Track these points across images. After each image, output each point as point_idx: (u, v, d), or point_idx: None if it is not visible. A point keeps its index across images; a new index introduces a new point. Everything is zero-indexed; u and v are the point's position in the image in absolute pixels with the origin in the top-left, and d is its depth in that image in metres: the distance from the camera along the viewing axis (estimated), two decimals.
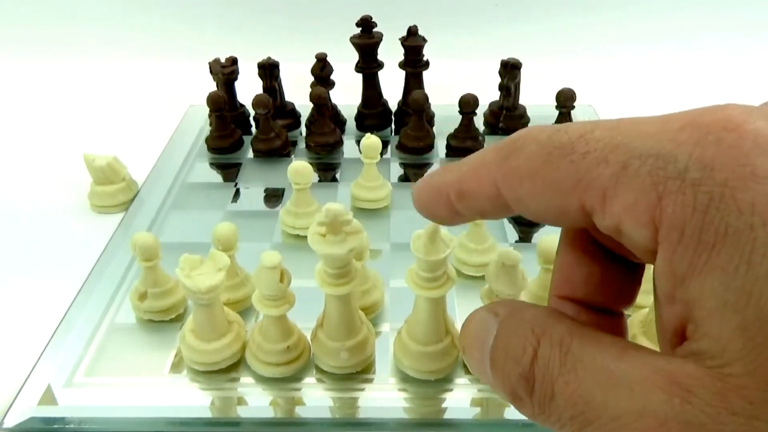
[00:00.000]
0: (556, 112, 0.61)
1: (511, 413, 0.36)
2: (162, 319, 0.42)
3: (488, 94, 0.65)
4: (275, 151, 0.61)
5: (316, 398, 0.37)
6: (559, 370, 0.17)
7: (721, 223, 0.14)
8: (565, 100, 0.60)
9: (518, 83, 0.64)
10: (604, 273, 0.20)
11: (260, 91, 0.63)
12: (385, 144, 0.61)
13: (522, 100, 0.66)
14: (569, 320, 0.18)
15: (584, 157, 0.16)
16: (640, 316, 0.39)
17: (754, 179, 0.14)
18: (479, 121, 0.66)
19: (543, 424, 0.18)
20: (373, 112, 0.66)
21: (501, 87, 0.65)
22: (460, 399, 0.37)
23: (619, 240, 0.17)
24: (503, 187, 0.18)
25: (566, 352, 0.17)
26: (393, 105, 0.67)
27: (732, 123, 0.15)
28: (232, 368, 0.38)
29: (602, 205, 0.16)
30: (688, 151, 0.15)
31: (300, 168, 0.48)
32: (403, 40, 0.63)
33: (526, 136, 0.18)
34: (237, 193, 0.57)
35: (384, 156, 0.60)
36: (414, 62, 0.64)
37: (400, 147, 0.62)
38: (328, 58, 0.64)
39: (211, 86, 0.64)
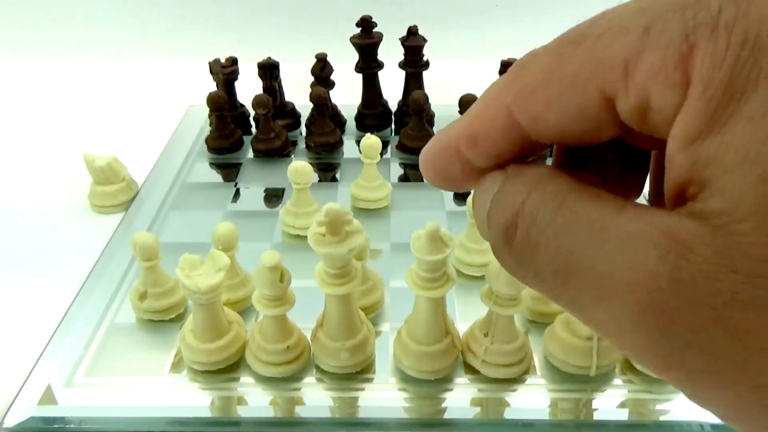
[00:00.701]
0: None
1: (511, 413, 0.36)
2: (162, 319, 0.42)
3: None
4: (275, 151, 0.61)
5: (316, 398, 0.37)
6: (548, 220, 0.15)
7: (755, 67, 0.12)
8: None
9: None
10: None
11: (260, 91, 0.63)
12: (385, 144, 0.61)
13: None
14: (569, 176, 0.16)
15: (600, 38, 0.15)
16: None
17: None
18: None
19: (522, 278, 0.17)
20: (373, 112, 0.66)
21: None
22: (460, 399, 0.37)
23: (645, 129, 0.15)
24: (516, 108, 0.16)
25: (559, 204, 0.15)
26: (393, 105, 0.67)
27: None
28: (232, 368, 0.38)
29: (625, 82, 0.14)
30: None
31: (300, 168, 0.48)
32: (403, 40, 0.63)
33: (533, 50, 0.17)
34: (237, 193, 0.57)
35: (384, 156, 0.60)
36: (414, 62, 0.64)
37: (400, 147, 0.62)
38: (328, 58, 0.64)
39: (211, 86, 0.64)
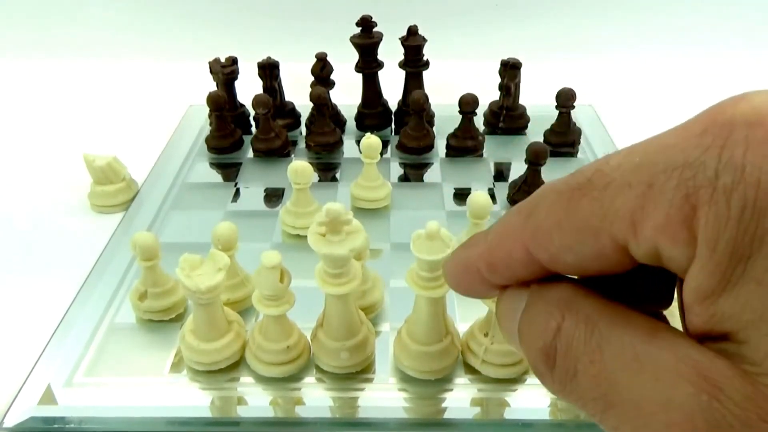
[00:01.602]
0: (556, 112, 0.61)
1: (511, 413, 0.36)
2: (162, 319, 0.42)
3: (488, 94, 0.65)
4: (275, 151, 0.61)
5: (316, 398, 0.37)
6: (583, 348, 0.16)
7: (758, 230, 0.13)
8: (565, 100, 0.60)
9: (518, 83, 0.64)
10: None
11: (260, 91, 0.63)
12: (385, 144, 0.61)
13: (522, 100, 0.66)
14: (598, 297, 0.17)
15: (605, 189, 0.16)
16: None
17: None
18: (479, 121, 0.66)
19: (566, 400, 0.17)
20: (373, 112, 0.66)
21: (501, 87, 0.65)
22: (460, 399, 0.37)
23: (661, 266, 0.16)
24: (533, 247, 0.17)
25: (592, 330, 0.16)
26: (393, 105, 0.67)
27: (756, 116, 0.14)
28: (232, 368, 0.38)
29: (634, 233, 0.15)
30: (716, 155, 0.14)
31: (300, 168, 0.48)
32: (403, 40, 0.63)
33: (543, 189, 0.18)
34: (237, 192, 0.57)
35: (384, 156, 0.60)
36: (414, 62, 0.64)
37: (400, 147, 0.62)
38: (328, 58, 0.64)
39: (211, 86, 0.64)
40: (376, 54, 0.63)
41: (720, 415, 0.13)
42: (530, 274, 0.18)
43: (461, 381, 0.38)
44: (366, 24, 0.61)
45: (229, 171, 0.60)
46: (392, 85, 0.66)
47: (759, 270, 0.13)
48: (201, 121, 0.68)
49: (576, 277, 0.18)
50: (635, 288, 0.18)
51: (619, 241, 0.15)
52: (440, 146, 0.63)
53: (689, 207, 0.14)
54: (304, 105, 0.64)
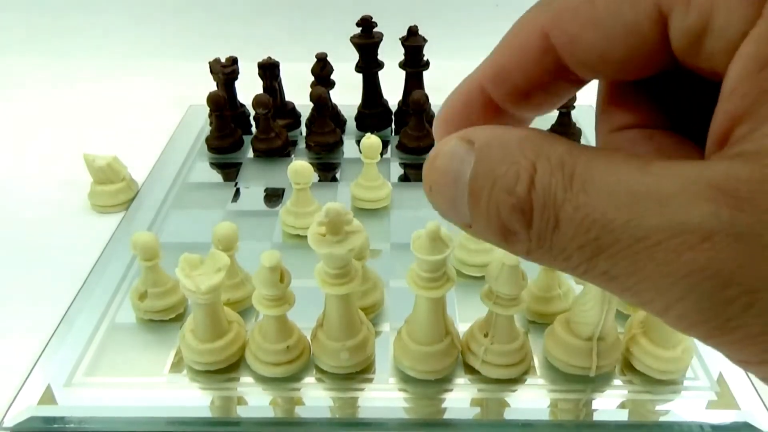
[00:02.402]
0: (556, 112, 0.61)
1: (511, 413, 0.36)
2: (162, 319, 0.42)
3: None
4: (275, 151, 0.61)
5: (316, 398, 0.37)
6: (564, 196, 0.14)
7: None
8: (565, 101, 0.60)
9: None
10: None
11: (260, 91, 0.63)
12: (385, 144, 0.61)
13: None
14: (567, 141, 0.15)
15: None
16: (640, 316, 0.39)
17: None
18: None
19: (540, 260, 0.15)
20: (373, 112, 0.66)
21: None
22: (460, 399, 0.37)
23: (695, 60, 0.13)
24: (553, 28, 0.15)
25: (570, 174, 0.14)
26: (393, 105, 0.67)
27: None
28: (232, 368, 0.38)
29: None
30: None
31: (300, 168, 0.48)
32: (403, 40, 0.63)
33: None
34: (237, 192, 0.57)
35: (384, 156, 0.60)
36: (414, 62, 0.64)
37: (400, 147, 0.62)
38: (328, 58, 0.64)
39: (211, 86, 0.64)
40: (376, 54, 0.63)
41: (745, 225, 0.12)
42: (543, 72, 0.16)
43: (461, 381, 0.38)
44: (366, 24, 0.61)
45: (229, 171, 0.60)
46: (392, 85, 0.66)
47: None
48: (201, 121, 0.68)
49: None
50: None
51: (663, 8, 0.13)
52: None
53: None
54: (304, 105, 0.64)
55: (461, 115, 0.17)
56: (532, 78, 0.16)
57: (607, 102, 0.18)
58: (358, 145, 0.56)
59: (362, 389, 0.37)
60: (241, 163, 0.61)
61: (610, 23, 0.14)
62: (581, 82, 0.16)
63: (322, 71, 0.64)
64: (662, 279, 0.13)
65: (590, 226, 0.14)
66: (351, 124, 0.67)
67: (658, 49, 0.14)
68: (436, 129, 0.18)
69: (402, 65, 0.64)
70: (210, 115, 0.63)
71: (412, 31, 0.63)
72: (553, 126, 0.62)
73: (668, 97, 0.17)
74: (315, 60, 0.64)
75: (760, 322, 0.12)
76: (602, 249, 0.14)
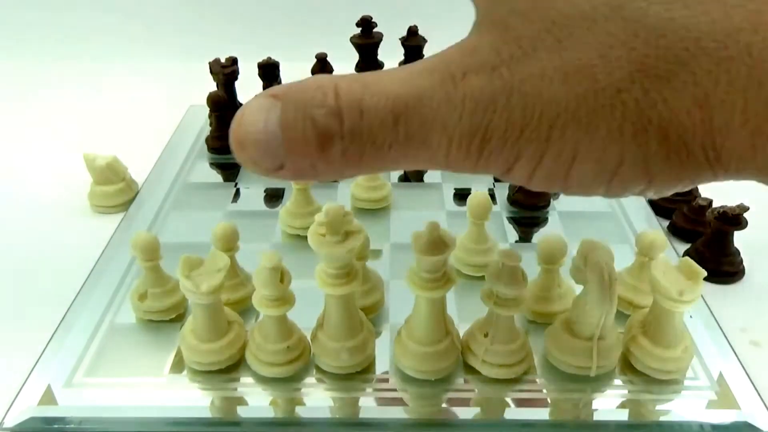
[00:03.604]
0: None
1: (511, 413, 0.36)
2: (162, 319, 0.42)
3: None
4: None
5: (316, 398, 0.37)
6: (363, 91, 0.18)
7: None
8: None
9: None
10: None
11: (260, 90, 0.63)
12: None
13: None
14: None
15: None
16: (640, 316, 0.39)
17: None
18: None
19: (354, 153, 0.19)
20: None
21: None
22: (460, 399, 0.37)
23: None
24: None
25: (363, 81, 0.19)
26: None
27: None
28: (232, 368, 0.38)
29: None
30: None
31: None
32: (403, 40, 0.63)
33: None
34: (237, 193, 0.57)
35: None
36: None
37: None
38: (328, 58, 0.64)
39: (211, 86, 0.64)
40: (376, 54, 0.63)
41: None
42: None
43: (461, 381, 0.38)
44: (366, 24, 0.61)
45: (229, 171, 0.60)
46: None
47: None
48: (201, 121, 0.68)
49: None
50: None
51: None
52: None
53: None
54: None
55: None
56: None
57: None
58: None
59: (362, 389, 0.37)
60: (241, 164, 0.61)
61: None
62: None
63: (322, 71, 0.64)
64: (443, 120, 0.19)
65: (386, 103, 0.18)
66: None
67: None
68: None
69: (402, 65, 0.64)
70: (210, 115, 0.63)
71: (412, 31, 0.63)
72: None
73: None
74: (315, 60, 0.64)
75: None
76: (398, 117, 0.18)
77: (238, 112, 0.21)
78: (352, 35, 0.62)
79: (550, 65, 0.18)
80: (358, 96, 0.19)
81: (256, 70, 0.64)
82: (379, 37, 0.62)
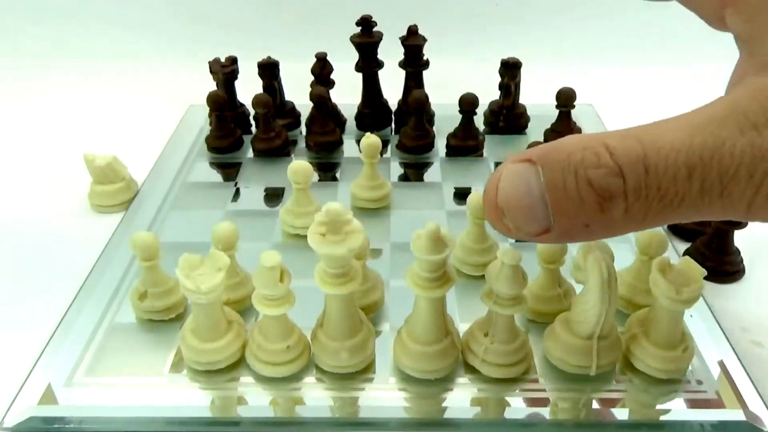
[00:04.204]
0: (556, 112, 0.61)
1: (511, 413, 0.36)
2: (162, 318, 0.42)
3: (488, 93, 0.65)
4: (275, 151, 0.61)
5: (316, 398, 0.37)
6: (641, 147, 0.17)
7: None
8: (565, 100, 0.60)
9: (518, 82, 0.64)
10: None
11: (260, 90, 0.63)
12: (385, 143, 0.61)
13: (522, 100, 0.66)
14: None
15: None
16: (640, 315, 0.39)
17: None
18: (479, 121, 0.66)
19: (638, 213, 0.18)
20: (373, 112, 0.66)
21: (501, 86, 0.65)
22: (460, 399, 0.37)
23: None
24: None
25: (635, 136, 0.18)
26: (393, 105, 0.67)
27: None
28: (232, 368, 0.38)
29: None
30: None
31: (300, 167, 0.48)
32: (403, 40, 0.63)
33: None
34: (237, 192, 0.57)
35: (384, 155, 0.60)
36: (414, 62, 0.64)
37: (400, 146, 0.62)
38: (328, 58, 0.64)
39: (211, 86, 0.64)
40: (376, 54, 0.63)
41: None
42: None
43: (461, 381, 0.38)
44: (366, 24, 0.61)
45: (229, 171, 0.60)
46: (392, 85, 0.66)
47: None
48: (201, 121, 0.68)
49: None
50: None
51: None
52: (440, 146, 0.63)
53: None
54: (304, 105, 0.64)
55: None
56: None
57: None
58: (358, 145, 0.56)
59: (362, 389, 0.37)
60: (240, 163, 0.61)
61: None
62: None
63: (322, 71, 0.64)
64: (740, 183, 0.18)
65: (676, 157, 0.17)
66: (351, 124, 0.67)
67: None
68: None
69: (402, 65, 0.64)
70: (210, 115, 0.63)
71: (412, 31, 0.63)
72: (553, 125, 0.62)
73: None
74: (315, 60, 0.64)
75: None
76: (693, 170, 0.17)
77: (492, 178, 0.20)
78: (352, 35, 0.62)
79: None
80: (639, 152, 0.17)
81: (256, 69, 0.64)
82: (379, 37, 0.62)
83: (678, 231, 0.51)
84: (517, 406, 0.37)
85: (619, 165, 0.17)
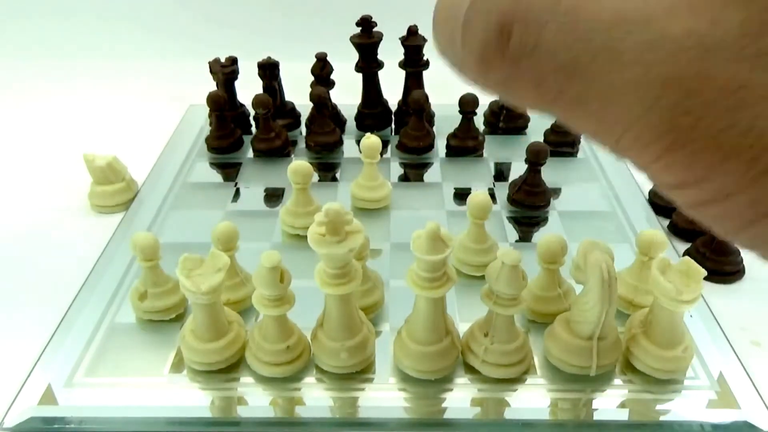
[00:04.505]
0: None
1: (511, 413, 0.36)
2: (162, 319, 0.42)
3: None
4: (275, 151, 0.61)
5: (316, 398, 0.37)
6: (551, 14, 0.14)
7: None
8: None
9: None
10: None
11: (260, 90, 0.63)
12: (385, 144, 0.61)
13: None
14: None
15: None
16: (640, 315, 0.39)
17: None
18: (479, 121, 0.66)
19: (509, 86, 0.15)
20: (373, 112, 0.66)
21: None
22: (460, 399, 0.37)
23: None
24: None
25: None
26: (393, 105, 0.67)
27: None
28: (232, 368, 0.38)
29: None
30: None
31: (300, 168, 0.48)
32: (403, 40, 0.63)
33: None
34: (237, 192, 0.57)
35: (384, 156, 0.60)
36: (414, 62, 0.64)
37: (400, 147, 0.62)
38: (328, 58, 0.64)
39: (211, 86, 0.64)
40: (376, 54, 0.63)
41: (716, 39, 0.12)
42: None
43: (461, 381, 0.38)
44: (366, 24, 0.61)
45: (229, 171, 0.60)
46: (392, 85, 0.66)
47: None
48: (201, 121, 0.68)
49: None
50: None
51: None
52: (440, 146, 0.63)
53: None
54: (304, 105, 0.64)
55: None
56: None
57: None
58: (358, 145, 0.56)
59: (362, 389, 0.37)
60: (241, 163, 0.61)
61: None
62: None
63: (322, 71, 0.64)
64: (628, 96, 0.13)
65: (572, 44, 0.13)
66: (351, 124, 0.67)
67: None
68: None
69: (402, 65, 0.64)
70: (210, 115, 0.63)
71: (412, 31, 0.63)
72: (552, 125, 0.62)
73: None
74: (315, 60, 0.64)
75: (703, 136, 0.12)
76: (579, 70, 0.13)
77: None
78: (352, 35, 0.62)
79: None
80: (542, 18, 0.14)
81: (256, 69, 0.64)
82: (379, 37, 0.62)
83: (678, 231, 0.52)
84: (517, 406, 0.37)
85: (513, 19, 0.14)
